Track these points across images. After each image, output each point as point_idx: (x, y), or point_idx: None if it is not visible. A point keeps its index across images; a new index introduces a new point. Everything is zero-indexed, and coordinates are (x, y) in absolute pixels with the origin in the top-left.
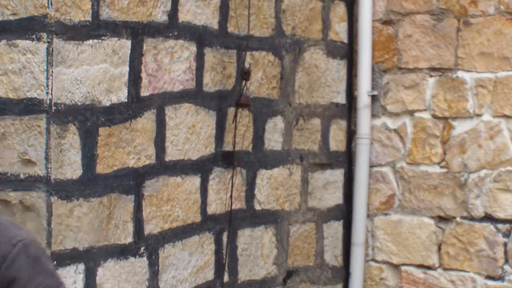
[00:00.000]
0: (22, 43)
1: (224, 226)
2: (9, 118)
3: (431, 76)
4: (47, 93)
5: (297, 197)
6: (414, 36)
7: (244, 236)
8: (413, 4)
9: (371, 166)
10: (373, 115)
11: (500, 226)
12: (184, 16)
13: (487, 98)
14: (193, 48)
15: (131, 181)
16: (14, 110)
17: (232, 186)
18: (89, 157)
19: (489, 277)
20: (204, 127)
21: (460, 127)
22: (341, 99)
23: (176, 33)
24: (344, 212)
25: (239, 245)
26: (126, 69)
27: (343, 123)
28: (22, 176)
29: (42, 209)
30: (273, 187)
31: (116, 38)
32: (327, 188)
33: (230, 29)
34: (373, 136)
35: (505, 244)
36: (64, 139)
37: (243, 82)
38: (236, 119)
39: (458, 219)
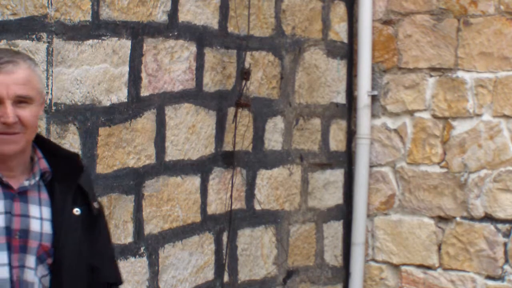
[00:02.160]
0: (22, 43)
1: (224, 226)
2: None
3: (431, 76)
4: (47, 93)
5: (297, 197)
6: (414, 36)
7: (244, 236)
8: (413, 4)
9: (371, 166)
10: (373, 115)
11: (500, 226)
12: (184, 16)
13: (487, 98)
14: (193, 48)
15: (131, 181)
16: None
17: (232, 186)
18: (89, 157)
19: (489, 277)
20: (204, 127)
21: (460, 127)
22: (341, 99)
23: (176, 33)
24: (344, 212)
25: (239, 245)
26: (126, 69)
27: (343, 123)
28: None
29: None
30: (273, 187)
31: (116, 38)
32: (327, 188)
33: (230, 29)
34: (373, 136)
35: (505, 244)
36: (64, 139)
37: (243, 82)
38: (236, 119)
39: (458, 219)
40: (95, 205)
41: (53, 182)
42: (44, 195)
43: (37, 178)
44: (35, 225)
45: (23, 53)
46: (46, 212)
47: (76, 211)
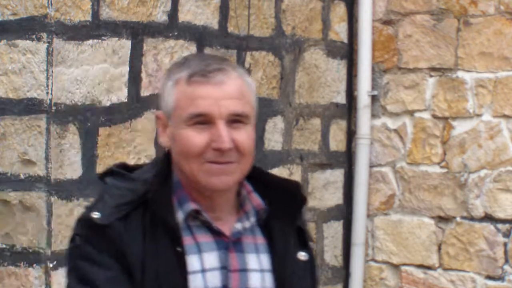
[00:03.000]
0: (22, 43)
1: None
2: (9, 118)
3: (431, 76)
4: (47, 93)
5: None
6: (414, 36)
7: None
8: (413, 4)
9: (371, 166)
10: (373, 115)
11: (500, 226)
12: (184, 16)
13: (487, 98)
14: (193, 48)
15: None
16: (14, 110)
17: None
18: (89, 157)
19: (489, 277)
20: None
21: (460, 127)
22: (341, 99)
23: (176, 33)
24: (344, 212)
25: None
26: (126, 69)
27: (343, 123)
28: (22, 176)
29: (42, 209)
30: None
31: (116, 38)
32: (327, 188)
33: (230, 29)
34: (373, 136)
35: (505, 244)
36: (64, 139)
37: None
38: None
39: (458, 219)
40: (311, 244)
41: (268, 220)
42: (260, 239)
43: (252, 219)
44: (255, 281)
45: (230, 60)
46: (265, 260)
47: (304, 256)
